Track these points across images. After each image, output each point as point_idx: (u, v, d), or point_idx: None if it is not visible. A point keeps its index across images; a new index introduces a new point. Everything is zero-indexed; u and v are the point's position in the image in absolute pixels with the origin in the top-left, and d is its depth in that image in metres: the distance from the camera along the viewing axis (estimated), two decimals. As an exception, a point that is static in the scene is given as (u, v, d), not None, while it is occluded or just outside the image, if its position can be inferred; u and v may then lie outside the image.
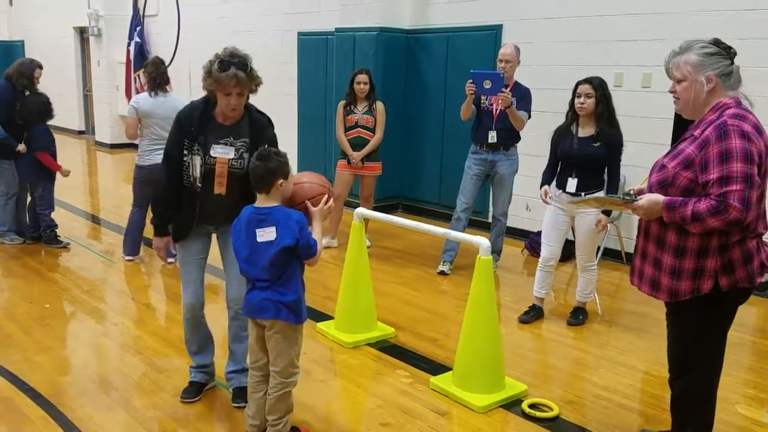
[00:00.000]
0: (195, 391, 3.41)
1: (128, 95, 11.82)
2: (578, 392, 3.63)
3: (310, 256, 2.82)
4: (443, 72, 7.37)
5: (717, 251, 2.46)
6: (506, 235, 5.80)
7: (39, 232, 6.14)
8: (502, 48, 5.43)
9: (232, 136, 3.11)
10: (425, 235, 5.55)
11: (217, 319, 3.72)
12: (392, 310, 4.74)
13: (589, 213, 4.29)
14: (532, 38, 6.41)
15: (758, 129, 2.43)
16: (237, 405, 3.32)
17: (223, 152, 3.09)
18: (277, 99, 8.45)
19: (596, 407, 3.47)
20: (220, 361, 3.55)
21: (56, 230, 6.17)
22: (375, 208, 5.68)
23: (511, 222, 6.06)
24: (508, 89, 5.13)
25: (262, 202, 2.81)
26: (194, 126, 3.08)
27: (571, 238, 4.76)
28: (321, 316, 4.55)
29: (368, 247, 4.99)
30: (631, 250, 3.62)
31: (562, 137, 4.40)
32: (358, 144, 5.99)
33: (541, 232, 6.55)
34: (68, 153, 6.40)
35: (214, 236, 3.38)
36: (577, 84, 4.30)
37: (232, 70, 2.91)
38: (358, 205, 4.93)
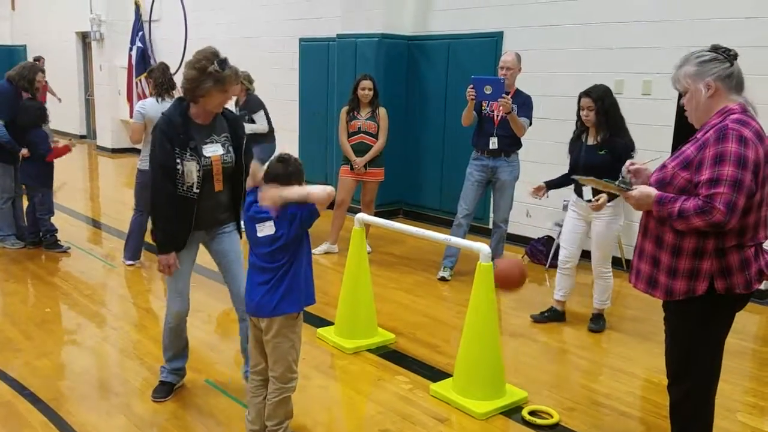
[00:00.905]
0: (166, 390, 3.48)
1: (130, 100, 11.86)
2: (578, 399, 3.63)
3: (315, 215, 2.77)
4: (444, 79, 7.39)
5: (713, 254, 2.46)
6: (507, 241, 5.80)
7: (39, 236, 6.15)
8: (503, 55, 5.45)
9: (214, 134, 3.21)
10: (426, 241, 5.55)
11: (192, 321, 3.63)
12: (393, 316, 4.74)
13: (603, 218, 4.35)
14: (532, 45, 6.43)
15: (759, 136, 2.44)
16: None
17: (213, 150, 3.18)
18: (279, 104, 8.47)
19: (597, 414, 3.47)
20: (193, 364, 3.61)
21: (57, 234, 6.17)
22: (376, 214, 5.68)
23: (512, 228, 6.06)
24: (509, 96, 5.15)
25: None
26: (181, 132, 3.10)
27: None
28: (321, 322, 4.54)
29: (369, 253, 4.99)
30: (632, 258, 3.62)
31: (573, 146, 4.54)
32: (361, 150, 6.00)
33: (540, 239, 6.57)
34: (69, 157, 6.39)
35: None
36: (579, 96, 4.39)
37: (231, 68, 3.06)
38: (358, 211, 4.94)
